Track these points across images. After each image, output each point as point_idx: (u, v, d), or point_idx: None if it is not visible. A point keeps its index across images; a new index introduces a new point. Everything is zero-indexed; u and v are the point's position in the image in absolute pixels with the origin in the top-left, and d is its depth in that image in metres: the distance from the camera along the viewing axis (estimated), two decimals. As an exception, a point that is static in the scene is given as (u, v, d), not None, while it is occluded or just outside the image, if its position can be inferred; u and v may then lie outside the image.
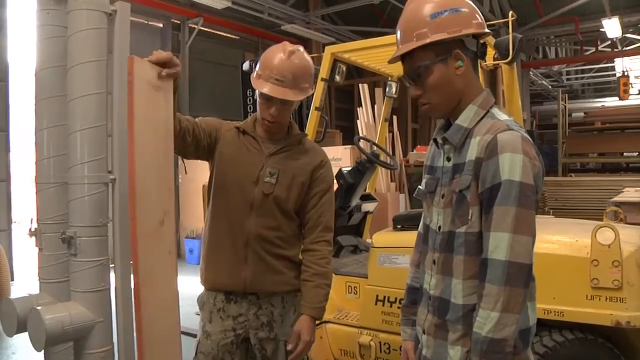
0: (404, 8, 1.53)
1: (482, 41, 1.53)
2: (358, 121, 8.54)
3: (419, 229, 1.76)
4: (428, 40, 1.43)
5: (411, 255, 1.81)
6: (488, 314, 1.36)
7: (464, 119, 1.49)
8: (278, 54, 2.11)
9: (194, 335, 5.37)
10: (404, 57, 1.51)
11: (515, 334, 1.37)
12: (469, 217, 1.44)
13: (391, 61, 1.59)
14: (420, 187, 1.68)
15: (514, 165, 1.36)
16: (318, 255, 2.15)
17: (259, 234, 2.11)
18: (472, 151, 1.44)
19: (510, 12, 3.12)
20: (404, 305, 1.82)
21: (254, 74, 2.14)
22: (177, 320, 1.56)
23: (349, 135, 10.76)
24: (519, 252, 1.35)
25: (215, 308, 2.15)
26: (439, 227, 1.54)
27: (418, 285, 1.71)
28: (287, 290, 2.17)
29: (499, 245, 1.35)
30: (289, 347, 2.06)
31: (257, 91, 2.11)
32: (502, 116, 1.49)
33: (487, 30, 1.49)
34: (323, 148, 7.73)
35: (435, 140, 1.59)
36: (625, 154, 11.77)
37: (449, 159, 1.52)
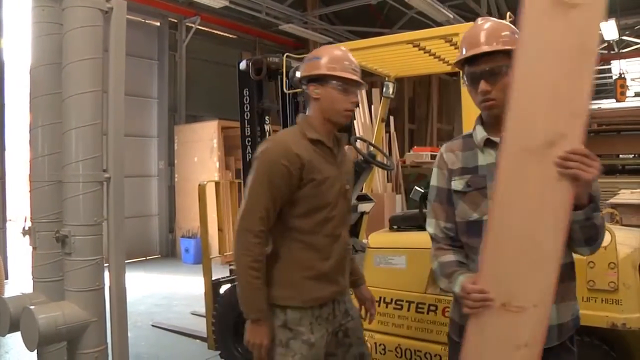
0: (474, 25, 1.80)
1: None
2: (355, 121, 8.53)
3: (437, 232, 1.85)
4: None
5: (436, 258, 1.85)
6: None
7: None
8: (339, 50, 2.20)
9: (190, 336, 5.31)
10: (483, 55, 1.70)
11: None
12: None
13: (473, 56, 1.72)
14: (433, 189, 1.87)
15: None
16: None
17: (348, 242, 2.27)
18: None
19: (508, 14, 3.10)
20: (453, 263, 1.79)
21: (319, 71, 2.12)
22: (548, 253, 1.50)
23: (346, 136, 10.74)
24: None
25: (314, 317, 2.14)
26: None
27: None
28: None
29: None
30: (372, 311, 2.43)
31: (323, 86, 2.12)
32: None
33: None
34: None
35: (488, 141, 1.76)
36: (621, 156, 11.78)
37: None
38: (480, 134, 1.78)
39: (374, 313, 2.45)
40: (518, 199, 1.54)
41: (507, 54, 1.66)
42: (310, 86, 2.14)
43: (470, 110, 2.95)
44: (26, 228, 2.83)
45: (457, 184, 1.80)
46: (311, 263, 2.11)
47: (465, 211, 1.78)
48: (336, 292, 2.19)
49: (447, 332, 2.97)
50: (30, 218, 2.79)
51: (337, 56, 2.14)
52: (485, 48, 1.69)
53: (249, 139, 4.38)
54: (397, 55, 3.72)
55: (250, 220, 2.01)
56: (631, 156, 11.50)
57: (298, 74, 2.28)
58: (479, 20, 1.80)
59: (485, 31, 1.74)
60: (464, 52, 1.76)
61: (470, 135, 1.85)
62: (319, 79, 2.12)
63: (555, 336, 1.68)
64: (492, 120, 1.76)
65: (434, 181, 1.90)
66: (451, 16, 9.17)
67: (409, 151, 10.33)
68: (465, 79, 1.76)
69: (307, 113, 2.20)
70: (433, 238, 1.87)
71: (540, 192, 1.51)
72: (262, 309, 2.06)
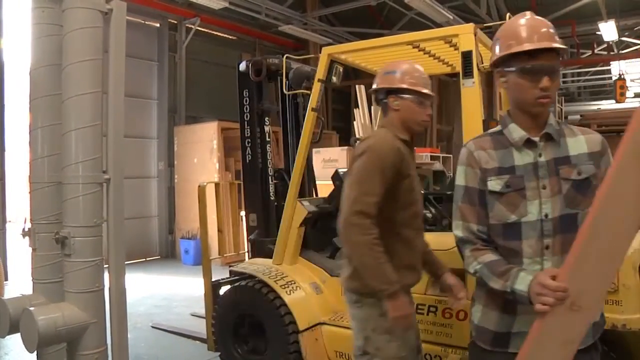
0: (525, 18, 1.73)
1: None
2: (354, 122, 8.53)
3: (468, 234, 1.76)
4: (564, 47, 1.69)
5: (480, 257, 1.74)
6: None
7: (554, 123, 1.74)
8: (410, 64, 2.44)
9: (190, 337, 5.30)
10: (542, 50, 1.65)
11: None
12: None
13: (533, 50, 1.65)
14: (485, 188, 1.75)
15: None
16: None
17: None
18: (579, 146, 1.72)
19: (508, 15, 3.10)
20: (502, 261, 1.71)
21: (400, 84, 2.35)
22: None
23: (346, 137, 10.76)
24: None
25: None
26: (546, 215, 1.67)
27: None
28: None
29: None
30: (462, 294, 2.40)
31: (402, 99, 2.36)
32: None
33: None
34: (319, 149, 7.67)
35: (528, 140, 1.72)
36: (621, 156, 11.77)
37: (540, 155, 1.71)
38: (518, 132, 1.73)
39: (464, 296, 2.42)
40: (618, 201, 1.52)
41: (558, 54, 1.68)
42: (390, 98, 2.38)
43: (470, 112, 2.96)
44: (26, 229, 2.83)
45: (495, 185, 1.72)
46: (402, 253, 2.29)
47: (503, 213, 1.71)
48: (417, 280, 2.41)
49: (447, 334, 2.98)
50: (30, 219, 2.79)
51: (413, 71, 2.40)
52: (555, 44, 1.65)
53: (249, 140, 4.38)
54: (396, 56, 3.71)
55: (366, 204, 2.15)
56: (631, 157, 11.50)
57: (375, 85, 2.46)
58: (527, 15, 1.74)
59: (544, 28, 1.69)
60: (500, 45, 1.70)
61: (499, 133, 1.79)
62: (398, 92, 2.36)
63: (591, 335, 1.69)
64: (532, 118, 1.72)
65: (460, 180, 1.79)
66: (451, 17, 9.18)
67: (409, 152, 10.32)
68: (520, 72, 1.66)
69: (385, 120, 2.42)
70: (464, 240, 1.77)
71: (635, 197, 1.51)
72: (396, 281, 2.15)
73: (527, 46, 1.64)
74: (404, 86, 2.35)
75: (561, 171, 1.68)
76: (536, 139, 1.71)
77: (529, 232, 1.68)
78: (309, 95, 3.74)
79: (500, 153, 1.74)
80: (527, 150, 1.72)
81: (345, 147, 8.22)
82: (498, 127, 1.81)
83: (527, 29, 1.68)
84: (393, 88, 2.37)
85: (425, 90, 2.37)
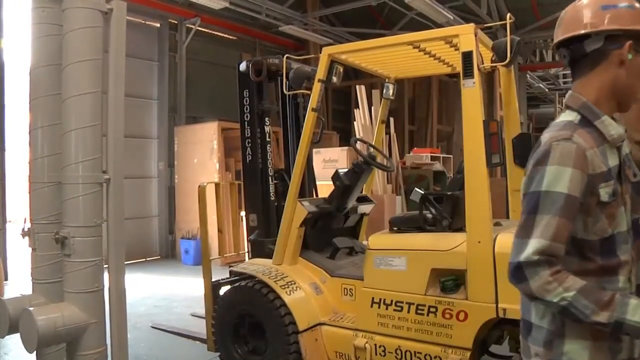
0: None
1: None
2: (355, 123, 8.53)
3: (546, 255, 1.34)
4: None
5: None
6: None
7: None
8: None
9: (190, 337, 5.30)
10: None
11: None
12: None
13: None
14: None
15: None
16: None
17: None
18: (626, 147, 1.55)
19: (508, 15, 3.11)
20: (596, 287, 1.37)
21: None
22: None
23: (346, 137, 10.75)
24: None
25: None
26: (631, 223, 1.49)
27: None
28: None
29: None
30: None
31: None
32: None
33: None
34: (319, 149, 7.69)
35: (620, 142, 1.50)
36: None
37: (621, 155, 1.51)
38: (616, 128, 1.45)
39: None
40: None
41: None
42: None
43: (470, 112, 2.95)
44: (26, 229, 2.83)
45: (604, 194, 1.39)
46: None
47: (604, 227, 1.41)
48: None
49: (447, 334, 2.97)
50: (30, 219, 2.79)
51: None
52: None
53: (249, 140, 4.38)
54: (397, 56, 3.72)
55: None
56: (631, 158, 11.50)
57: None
58: None
59: None
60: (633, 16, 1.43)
61: (586, 124, 1.45)
62: None
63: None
64: (617, 111, 1.52)
65: (562, 186, 1.35)
66: (451, 17, 9.17)
67: (409, 152, 10.33)
68: None
69: None
70: (542, 262, 1.33)
71: None
72: None
73: None
74: None
75: (627, 172, 1.50)
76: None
77: (621, 244, 1.43)
78: (309, 95, 3.74)
79: (601, 152, 1.42)
80: (614, 150, 1.46)
81: (346, 148, 8.21)
82: (576, 116, 1.48)
83: None
84: None
85: None
